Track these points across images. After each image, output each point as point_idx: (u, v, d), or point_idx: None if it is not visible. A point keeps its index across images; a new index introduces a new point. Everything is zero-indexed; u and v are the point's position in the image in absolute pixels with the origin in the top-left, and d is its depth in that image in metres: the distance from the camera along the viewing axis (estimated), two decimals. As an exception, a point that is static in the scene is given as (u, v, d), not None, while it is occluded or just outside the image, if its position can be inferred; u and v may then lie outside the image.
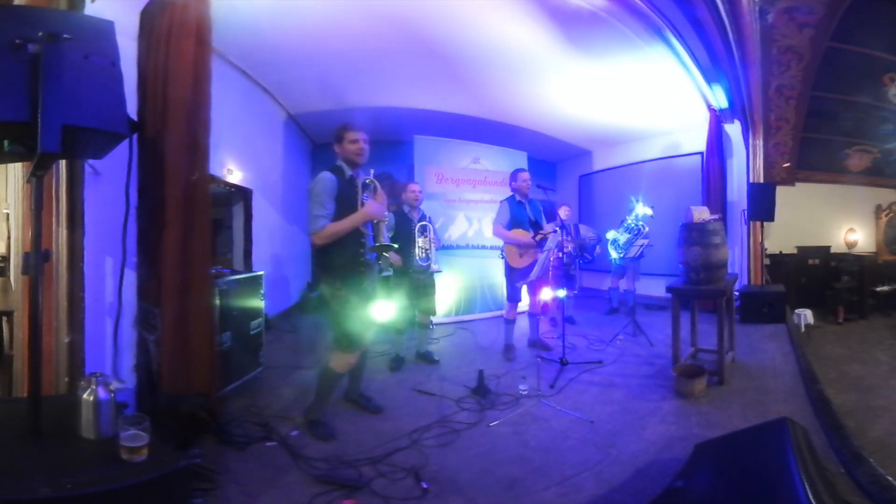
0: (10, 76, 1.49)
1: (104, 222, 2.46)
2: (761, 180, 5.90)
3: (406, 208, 4.16)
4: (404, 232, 3.98)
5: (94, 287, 2.47)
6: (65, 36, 1.56)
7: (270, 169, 5.85)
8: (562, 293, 4.38)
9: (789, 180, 6.47)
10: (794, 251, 6.81)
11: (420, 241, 4.03)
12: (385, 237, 2.78)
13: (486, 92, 5.62)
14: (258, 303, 3.65)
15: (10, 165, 2.55)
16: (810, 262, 6.83)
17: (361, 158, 2.73)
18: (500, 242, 4.38)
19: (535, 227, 4.21)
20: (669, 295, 3.61)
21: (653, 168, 6.93)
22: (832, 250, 6.93)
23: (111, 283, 2.54)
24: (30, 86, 1.49)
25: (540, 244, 4.05)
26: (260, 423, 2.80)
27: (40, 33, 1.51)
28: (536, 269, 3.90)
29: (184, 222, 2.49)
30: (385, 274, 3.96)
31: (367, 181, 2.75)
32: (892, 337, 5.50)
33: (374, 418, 2.97)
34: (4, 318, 2.64)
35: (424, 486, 2.20)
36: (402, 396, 3.35)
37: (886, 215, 6.93)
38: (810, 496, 1.43)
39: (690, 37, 4.58)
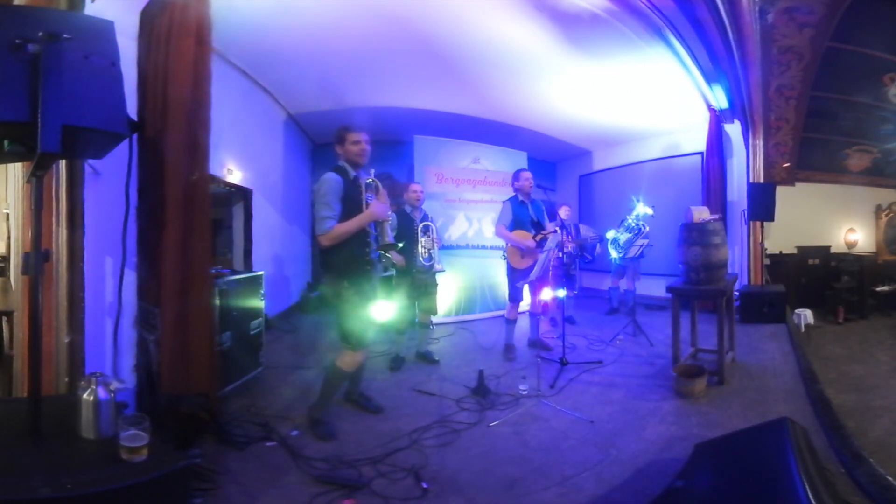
0: (10, 76, 1.49)
1: (104, 222, 2.46)
2: (761, 180, 5.89)
3: (408, 208, 4.16)
4: (406, 232, 3.98)
5: (94, 287, 2.47)
6: (65, 36, 1.55)
7: (270, 169, 5.85)
8: (562, 293, 4.38)
9: (789, 180, 6.47)
10: (794, 251, 6.81)
11: (423, 241, 4.05)
12: (389, 237, 2.80)
13: (486, 92, 5.62)
14: (258, 303, 3.65)
15: (10, 165, 2.55)
16: (810, 262, 6.82)
17: (363, 159, 2.76)
18: (500, 242, 4.38)
19: (538, 227, 4.22)
20: (669, 295, 3.61)
21: (653, 168, 6.92)
22: (832, 250, 6.93)
23: (111, 283, 2.55)
24: (30, 86, 1.49)
25: (540, 244, 4.06)
26: (260, 423, 2.80)
27: (40, 33, 1.51)
28: (536, 268, 3.90)
29: (184, 222, 2.49)
30: (387, 273, 3.98)
31: (370, 181, 2.77)
32: (893, 337, 5.50)
33: (374, 418, 2.97)
34: (4, 318, 2.64)
35: (424, 486, 2.20)
36: (403, 396, 3.35)
37: (886, 215, 6.93)
38: (810, 496, 1.43)
39: (690, 37, 4.57)
